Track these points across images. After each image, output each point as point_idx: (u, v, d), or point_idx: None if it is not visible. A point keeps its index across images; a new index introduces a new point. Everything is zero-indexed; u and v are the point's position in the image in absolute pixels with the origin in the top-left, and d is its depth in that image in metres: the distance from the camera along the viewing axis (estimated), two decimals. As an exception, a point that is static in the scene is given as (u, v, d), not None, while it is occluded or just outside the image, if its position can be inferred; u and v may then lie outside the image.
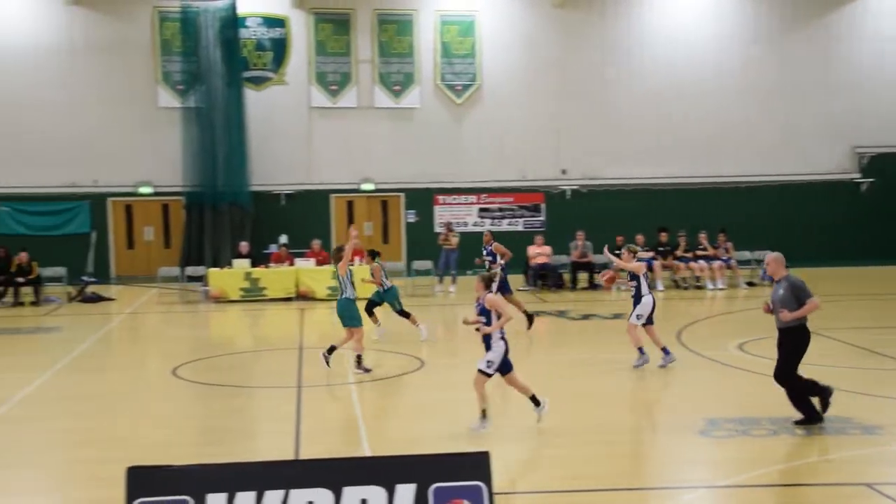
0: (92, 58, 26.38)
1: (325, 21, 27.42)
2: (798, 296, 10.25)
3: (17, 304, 22.46)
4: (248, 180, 26.39)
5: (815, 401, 10.50)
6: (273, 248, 24.53)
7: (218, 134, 26.11)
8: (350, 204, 28.00)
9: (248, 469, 6.77)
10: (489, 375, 10.56)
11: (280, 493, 6.40)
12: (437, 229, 27.02)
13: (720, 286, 23.75)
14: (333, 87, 27.46)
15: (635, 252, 14.21)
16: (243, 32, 26.74)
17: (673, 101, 28.08)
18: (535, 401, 10.76)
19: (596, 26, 28.11)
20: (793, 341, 10.35)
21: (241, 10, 26.35)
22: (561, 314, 19.66)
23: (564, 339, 17.55)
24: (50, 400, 13.13)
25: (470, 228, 27.37)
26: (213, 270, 23.27)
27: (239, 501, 6.34)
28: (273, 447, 10.51)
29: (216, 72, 26.16)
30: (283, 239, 24.75)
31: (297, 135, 27.32)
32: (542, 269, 24.52)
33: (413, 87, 27.66)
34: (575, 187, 28.30)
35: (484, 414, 10.55)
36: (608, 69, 28.15)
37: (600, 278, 15.29)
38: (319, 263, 23.23)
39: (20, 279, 22.60)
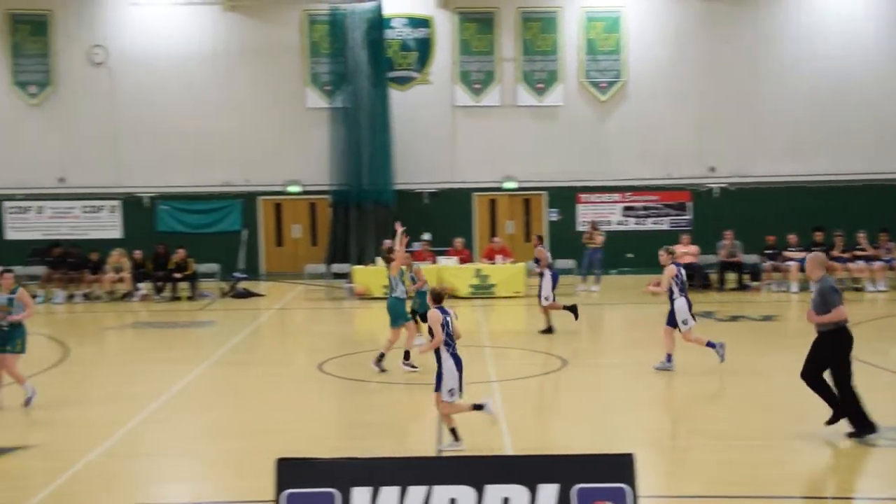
0: (245, 61, 27.27)
1: (470, 20, 27.51)
2: (825, 300, 9.89)
3: (174, 298, 23.45)
4: (393, 179, 26.74)
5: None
6: (416, 246, 24.79)
7: (363, 133, 26.56)
8: (492, 202, 28.01)
9: (392, 464, 6.83)
10: (456, 401, 10.07)
11: (423, 489, 6.41)
12: (580, 228, 26.73)
13: (881, 288, 22.60)
14: (477, 86, 27.53)
15: (672, 253, 13.95)
16: (389, 33, 27.10)
17: (827, 95, 26.90)
18: (455, 435, 10.09)
19: (747, 19, 27.19)
20: (827, 343, 9.96)
21: (387, 11, 26.71)
22: (707, 315, 19.10)
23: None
24: (203, 392, 13.63)
25: (614, 227, 26.97)
26: (358, 268, 23.69)
27: (383, 496, 6.40)
28: (416, 444, 10.58)
29: (362, 72, 26.61)
30: (426, 237, 24.97)
31: (440, 134, 27.51)
32: (689, 269, 23.87)
33: (556, 84, 27.44)
34: (723, 185, 27.47)
35: (454, 433, 10.09)
36: (759, 63, 27.21)
37: (648, 287, 14.49)
38: (462, 261, 23.35)
39: (177, 275, 23.59)
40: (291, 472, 6.53)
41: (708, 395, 10.04)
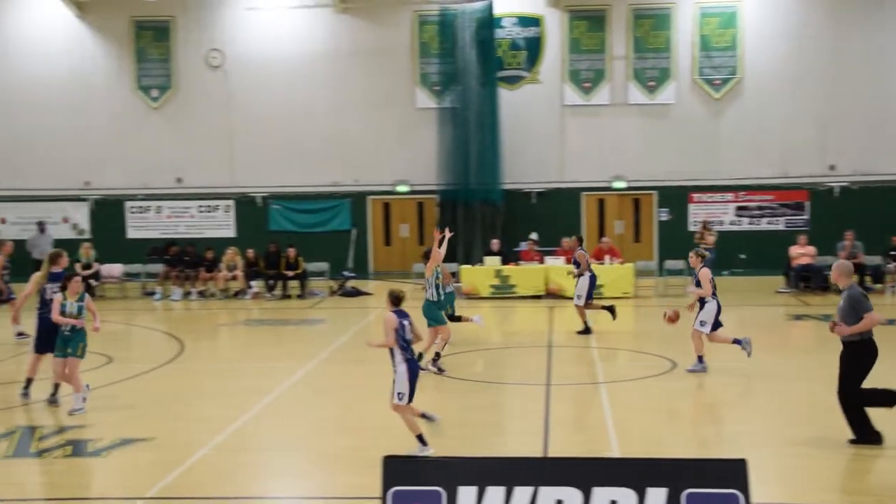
0: (356, 62, 27.61)
1: (580, 18, 27.23)
2: (856, 308, 9.60)
3: (285, 296, 23.89)
4: (500, 178, 26.68)
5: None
6: (523, 246, 24.66)
7: (472, 133, 26.58)
8: (601, 202, 27.66)
9: (498, 464, 6.78)
10: (405, 405, 9.95)
11: (529, 489, 6.34)
12: (691, 228, 26.17)
13: None
14: (586, 85, 27.23)
15: (703, 256, 13.81)
16: (498, 33, 27.04)
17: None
18: (422, 440, 9.90)
19: (873, 12, 26.15)
20: (855, 356, 9.67)
21: (497, 10, 26.66)
22: (826, 318, 18.40)
23: (825, 345, 16.40)
24: (313, 389, 13.82)
25: (726, 227, 26.32)
26: (465, 267, 23.71)
27: (489, 496, 6.35)
28: (522, 444, 10.50)
29: (471, 72, 26.63)
30: (534, 236, 24.82)
31: (548, 133, 27.31)
32: (806, 270, 23.15)
33: (668, 82, 26.91)
34: (844, 184, 26.50)
35: (421, 439, 9.93)
36: (887, 56, 26.14)
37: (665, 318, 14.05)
38: (569, 262, 23.12)
39: (288, 273, 24.03)
40: (398, 469, 6.54)
41: (829, 402, 9.65)
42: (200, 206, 28.04)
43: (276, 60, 27.53)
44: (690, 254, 13.96)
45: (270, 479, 9.84)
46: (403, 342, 9.87)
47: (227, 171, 27.90)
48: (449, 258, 26.02)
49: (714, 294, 13.51)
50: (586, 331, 17.19)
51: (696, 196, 27.05)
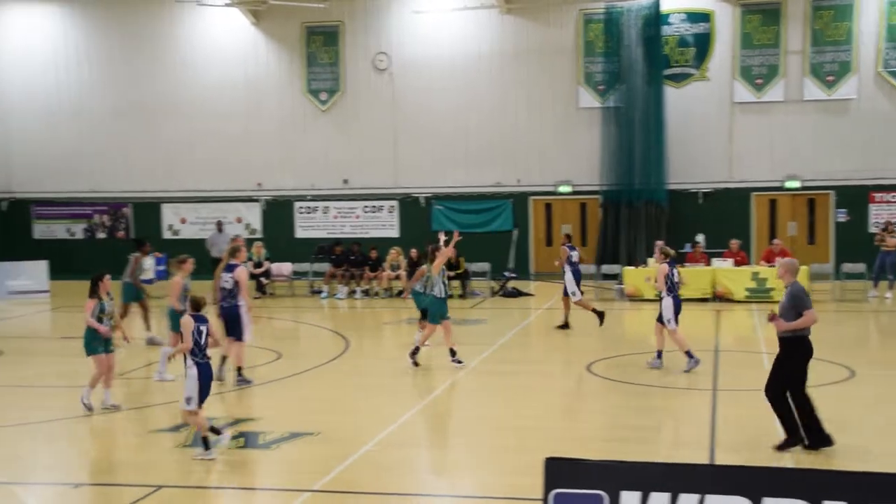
0: (519, 63, 27.58)
1: (753, 12, 26.27)
2: (796, 305, 9.74)
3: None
4: (665, 178, 26.08)
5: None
6: (688, 248, 24.01)
7: (636, 132, 26.10)
8: (772, 203, 26.60)
9: (663, 470, 6.56)
10: (194, 412, 9.99)
11: (695, 497, 6.13)
12: (872, 230, 24.80)
13: None
14: (759, 81, 26.23)
15: (667, 254, 14.51)
16: (665, 29, 26.43)
17: None
18: (216, 430, 10.19)
19: None
20: (789, 352, 9.85)
21: (665, 6, 26.08)
22: None
23: None
24: (473, 388, 13.85)
25: (910, 229, 24.82)
26: (628, 269, 23.28)
27: (652, 502, 6.17)
28: (687, 450, 10.18)
29: (637, 70, 26.15)
30: (700, 238, 24.12)
31: (716, 131, 26.48)
32: None
33: (849, 76, 25.59)
34: None
35: (205, 441, 10.01)
36: None
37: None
38: (737, 264, 22.35)
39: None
40: (560, 471, 6.44)
41: None
42: (365, 207, 28.66)
43: (441, 62, 27.83)
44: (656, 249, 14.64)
45: (432, 475, 9.91)
46: (196, 346, 9.98)
47: (392, 172, 28.40)
48: (611, 259, 25.78)
49: (671, 291, 14.17)
50: (565, 325, 18.14)
51: (877, 196, 25.64)
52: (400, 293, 24.28)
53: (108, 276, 12.62)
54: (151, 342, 17.05)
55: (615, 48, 26.49)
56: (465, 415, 12.24)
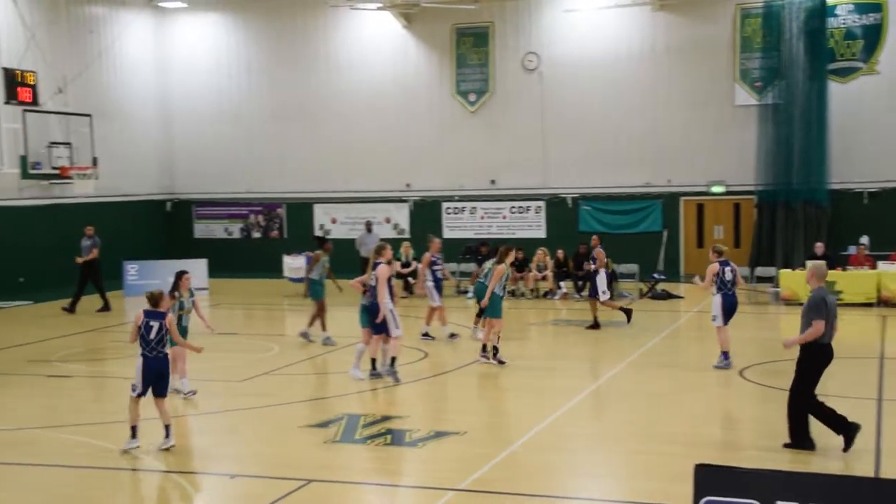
0: (671, 60, 27.01)
1: (929, 0, 24.85)
2: (809, 313, 9.78)
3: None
4: (827, 178, 24.98)
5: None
6: (852, 250, 22.93)
7: (796, 130, 25.12)
8: (946, 203, 25.12)
9: (822, 481, 6.28)
10: (136, 396, 10.49)
11: (858, 512, 5.82)
12: None
13: None
14: (935, 73, 24.78)
15: (720, 252, 14.79)
16: (831, 22, 25.30)
17: None
18: (134, 431, 10.51)
19: None
20: (807, 358, 9.88)
21: (830, -2, 25.05)
22: None
23: None
24: (620, 392, 13.61)
25: None
26: (785, 271, 22.43)
27: (810, 514, 5.90)
28: (848, 461, 9.69)
29: (797, 66, 25.16)
30: (864, 240, 22.99)
31: (885, 128, 25.14)
32: None
33: None
34: None
35: (133, 432, 10.49)
36: None
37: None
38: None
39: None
40: (711, 479, 6.26)
41: None
42: (512, 207, 28.64)
43: (591, 61, 27.53)
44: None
45: (578, 478, 9.78)
46: (143, 340, 10.49)
47: (540, 172, 28.29)
48: (766, 261, 24.89)
49: (721, 289, 14.48)
50: (595, 325, 18.48)
51: None
52: (546, 294, 24.16)
53: (188, 275, 13.20)
54: (321, 340, 17.31)
55: (774, 43, 25.57)
56: (613, 418, 12.03)
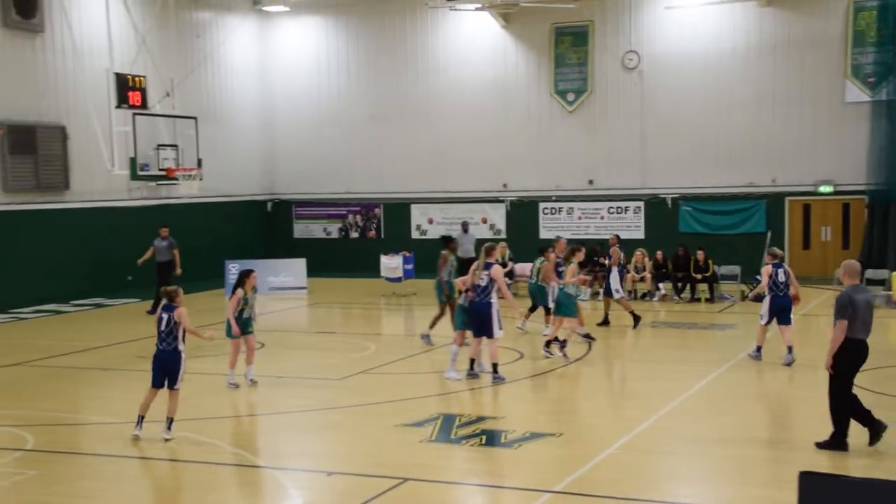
0: (777, 57, 26.30)
1: None
2: (833, 315, 9.95)
3: (694, 300, 23.31)
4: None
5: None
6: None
7: (910, 127, 24.24)
8: None
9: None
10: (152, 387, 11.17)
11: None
12: None
13: None
14: None
15: (775, 255, 15.71)
16: (948, 15, 24.32)
17: None
18: (140, 420, 11.13)
19: None
20: (839, 355, 9.91)
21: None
22: None
23: None
24: (720, 395, 13.30)
25: None
26: (897, 274, 21.63)
27: (924, 527, 5.63)
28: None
29: (913, 61, 24.29)
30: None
31: None
32: None
33: None
34: None
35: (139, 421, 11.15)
36: None
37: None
38: None
39: (697, 276, 23.43)
40: (815, 487, 6.05)
41: None
42: (610, 208, 28.30)
43: (692, 59, 27.03)
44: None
45: (677, 483, 9.58)
46: (157, 332, 11.19)
47: (638, 172, 27.90)
48: (877, 263, 24.00)
49: (772, 289, 15.17)
50: (605, 322, 18.71)
51: None
52: (644, 295, 23.79)
53: (254, 274, 13.90)
54: (420, 336, 17.42)
55: (890, 37, 24.68)
56: (713, 421, 11.74)
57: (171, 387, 11.12)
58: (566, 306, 15.62)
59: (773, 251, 15.95)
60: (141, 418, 11.12)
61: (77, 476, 9.99)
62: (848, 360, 10.01)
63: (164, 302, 11.38)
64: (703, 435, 11.14)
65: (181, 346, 11.18)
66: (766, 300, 15.34)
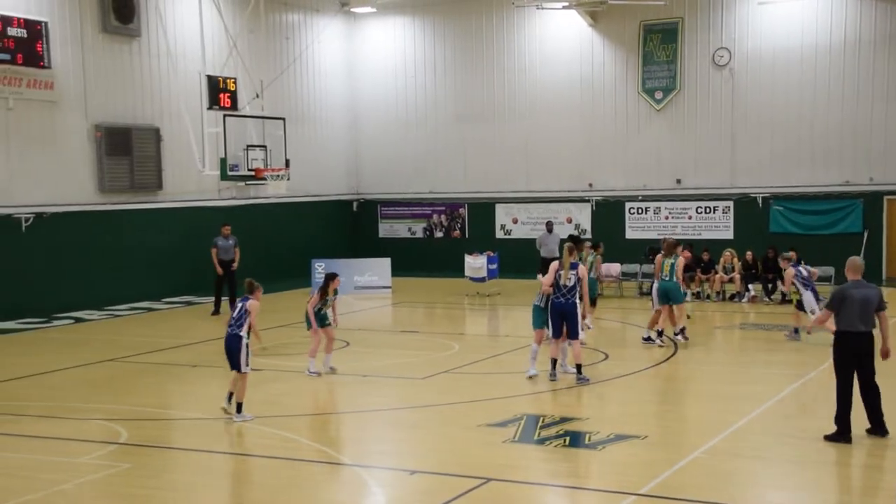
0: (876, 51, 25.45)
1: None
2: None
3: (785, 301, 22.61)
4: None
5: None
6: None
7: None
8: None
9: None
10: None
11: None
12: None
13: None
14: None
15: (789, 259, 17.60)
16: None
17: None
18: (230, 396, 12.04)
19: None
20: (833, 346, 10.67)
21: None
22: None
23: None
24: (813, 399, 12.93)
25: None
26: None
27: None
28: None
29: None
30: None
31: None
32: None
33: None
34: None
35: (229, 397, 12.07)
36: None
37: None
38: None
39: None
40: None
41: None
42: (699, 207, 27.81)
43: (786, 55, 26.40)
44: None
45: (764, 489, 9.32)
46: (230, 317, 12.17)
47: (728, 171, 27.37)
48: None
49: (807, 286, 16.87)
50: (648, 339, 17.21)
51: None
52: (733, 297, 23.30)
53: (338, 278, 15.03)
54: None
55: None
56: (805, 426, 11.38)
57: (238, 370, 11.85)
58: (677, 295, 16.81)
59: (786, 255, 17.86)
60: (230, 394, 12.08)
61: (168, 469, 10.22)
62: (839, 351, 10.56)
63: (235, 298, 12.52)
64: (794, 439, 10.84)
65: (243, 333, 11.85)
66: (809, 296, 16.74)
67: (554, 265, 14.03)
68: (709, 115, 27.47)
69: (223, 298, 22.09)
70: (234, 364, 11.86)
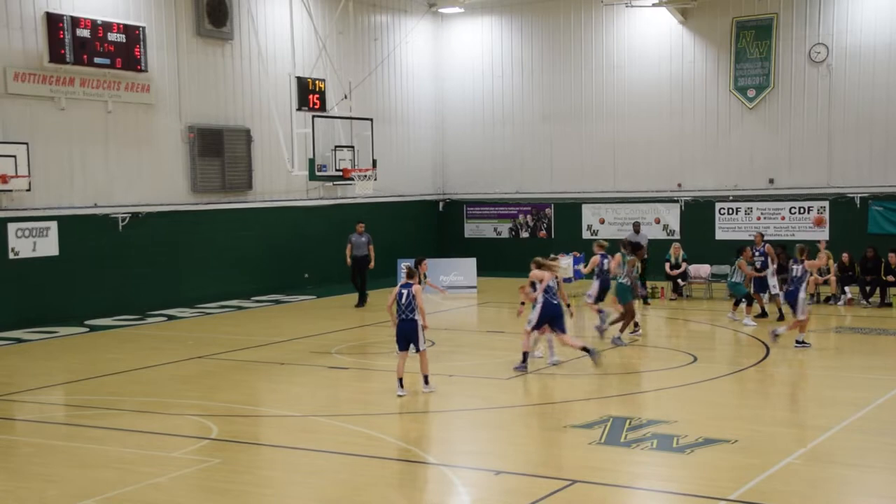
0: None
1: None
2: None
3: (884, 304, 22.03)
4: None
5: None
6: None
7: None
8: None
9: None
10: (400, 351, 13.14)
11: None
12: None
13: None
14: None
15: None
16: None
17: None
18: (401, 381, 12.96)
19: None
20: None
21: None
22: None
23: None
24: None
25: None
26: None
27: None
28: None
29: None
30: None
31: None
32: None
33: None
34: None
35: (400, 383, 13.02)
36: None
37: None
38: None
39: (889, 279, 22.13)
40: None
41: None
42: (792, 208, 27.13)
43: (888, 50, 25.58)
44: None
45: (864, 498, 9.04)
46: (398, 306, 13.02)
47: (824, 171, 26.63)
48: None
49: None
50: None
51: None
52: (828, 299, 22.66)
53: (426, 261, 16.26)
54: (611, 339, 17.44)
55: None
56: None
57: (417, 350, 12.99)
58: (623, 295, 17.21)
59: (794, 254, 17.86)
60: (400, 380, 13.03)
61: (258, 465, 10.38)
62: None
63: (402, 280, 13.43)
64: (891, 445, 10.48)
65: (418, 317, 12.95)
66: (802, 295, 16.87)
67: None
68: (804, 112, 26.79)
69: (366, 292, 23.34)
70: (413, 344, 12.94)
